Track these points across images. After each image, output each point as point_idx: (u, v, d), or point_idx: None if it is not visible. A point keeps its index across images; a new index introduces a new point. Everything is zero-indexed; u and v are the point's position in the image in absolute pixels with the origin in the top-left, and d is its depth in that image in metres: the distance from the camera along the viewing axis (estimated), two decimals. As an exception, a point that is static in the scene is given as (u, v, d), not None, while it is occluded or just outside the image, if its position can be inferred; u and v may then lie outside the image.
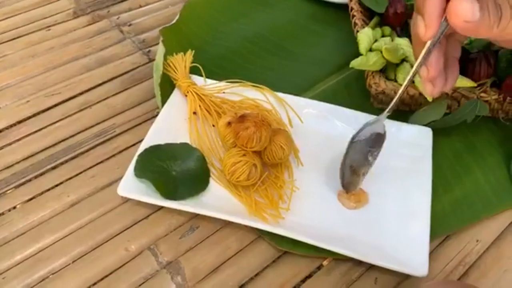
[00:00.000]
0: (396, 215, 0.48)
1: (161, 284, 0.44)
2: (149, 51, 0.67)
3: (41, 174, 0.52)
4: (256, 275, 0.45)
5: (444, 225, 0.48)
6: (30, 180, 0.51)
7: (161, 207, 0.49)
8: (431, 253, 0.46)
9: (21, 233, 0.47)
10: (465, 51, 0.53)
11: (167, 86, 0.56)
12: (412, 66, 0.54)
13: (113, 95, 0.60)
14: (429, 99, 0.51)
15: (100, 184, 0.51)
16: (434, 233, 0.46)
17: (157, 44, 0.67)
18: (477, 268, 0.46)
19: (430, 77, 0.39)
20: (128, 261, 0.45)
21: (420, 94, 0.54)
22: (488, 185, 0.52)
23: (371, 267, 0.45)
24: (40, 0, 0.73)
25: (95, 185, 0.51)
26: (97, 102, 0.59)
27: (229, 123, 0.49)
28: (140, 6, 0.74)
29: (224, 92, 0.56)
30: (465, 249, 0.47)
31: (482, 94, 0.52)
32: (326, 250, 0.44)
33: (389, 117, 0.55)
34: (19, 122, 0.57)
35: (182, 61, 0.57)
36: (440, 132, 0.54)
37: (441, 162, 0.53)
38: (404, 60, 0.54)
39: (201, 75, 0.58)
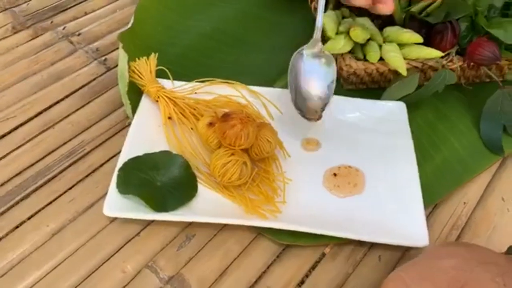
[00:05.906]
0: (388, 191, 0.48)
1: (168, 300, 0.42)
2: (105, 59, 0.63)
3: (12, 207, 0.47)
4: (263, 272, 0.44)
5: (431, 194, 0.49)
6: (1, 214, 0.47)
7: (151, 221, 0.46)
8: (425, 222, 0.48)
9: (1, 275, 0.43)
10: (428, 23, 0.55)
11: (134, 93, 0.53)
12: (378, 44, 0.55)
13: (75, 110, 0.57)
14: (403, 73, 0.52)
15: (80, 207, 0.47)
16: (423, 203, 0.47)
17: (113, 51, 0.64)
18: (469, 229, 0.48)
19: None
20: (128, 282, 0.43)
21: (390, 70, 0.55)
22: (464, 150, 0.54)
23: (372, 245, 0.46)
24: (-29, 18, 0.67)
25: (75, 209, 0.47)
26: (60, 121, 0.55)
27: (210, 124, 0.48)
28: (86, 14, 0.69)
29: (196, 93, 0.54)
30: (455, 213, 0.49)
31: (449, 63, 0.54)
32: (328, 236, 0.45)
33: (361, 96, 0.57)
34: (-25, 153, 0.52)
35: (147, 65, 0.54)
36: (410, 105, 0.56)
37: (417, 133, 0.55)
38: (369, 39, 0.55)
39: (168, 78, 0.55)
